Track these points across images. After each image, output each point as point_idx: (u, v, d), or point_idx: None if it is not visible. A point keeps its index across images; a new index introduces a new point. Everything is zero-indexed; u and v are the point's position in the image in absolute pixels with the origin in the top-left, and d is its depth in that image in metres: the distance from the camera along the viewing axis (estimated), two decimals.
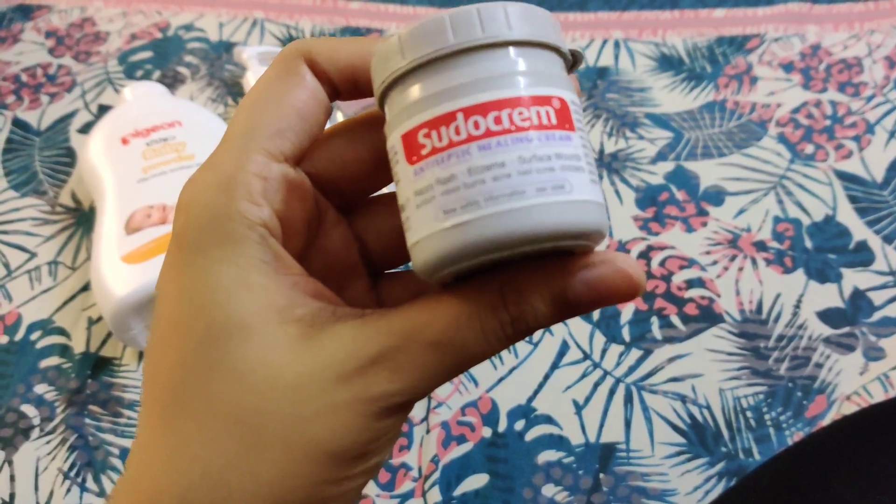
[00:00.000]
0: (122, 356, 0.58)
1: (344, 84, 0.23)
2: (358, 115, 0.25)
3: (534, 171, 0.19)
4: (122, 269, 0.54)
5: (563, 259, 0.21)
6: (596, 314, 0.59)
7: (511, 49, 0.20)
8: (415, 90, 0.20)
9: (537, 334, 0.58)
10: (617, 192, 0.66)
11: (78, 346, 0.59)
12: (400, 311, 0.21)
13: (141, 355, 0.58)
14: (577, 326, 0.58)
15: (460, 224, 0.19)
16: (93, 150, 0.63)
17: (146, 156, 0.62)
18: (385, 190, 0.26)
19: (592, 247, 0.21)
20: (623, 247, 0.62)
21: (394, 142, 0.21)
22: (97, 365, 0.57)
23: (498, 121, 0.19)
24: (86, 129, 0.74)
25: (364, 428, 0.20)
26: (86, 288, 0.61)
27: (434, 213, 0.19)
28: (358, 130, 0.24)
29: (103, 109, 0.76)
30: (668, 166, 0.68)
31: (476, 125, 0.19)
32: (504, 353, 0.57)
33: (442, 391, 0.55)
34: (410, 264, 0.21)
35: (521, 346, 0.57)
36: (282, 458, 0.19)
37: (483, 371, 0.56)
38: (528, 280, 0.20)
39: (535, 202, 0.19)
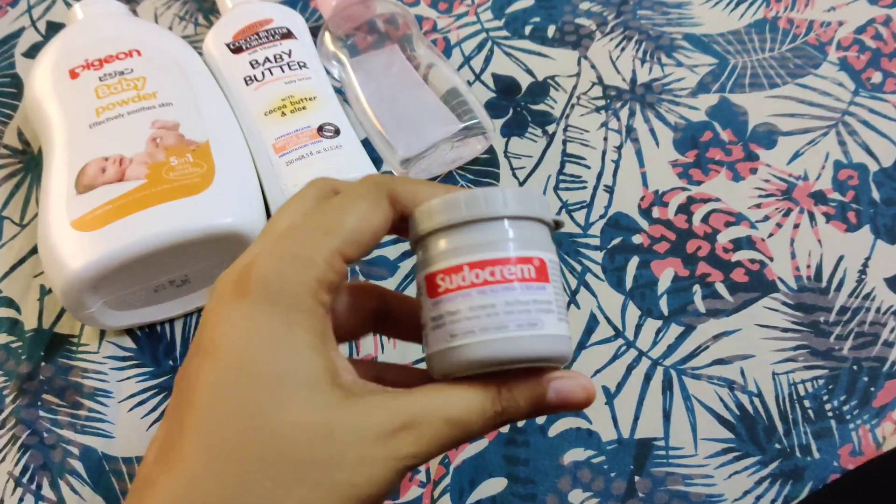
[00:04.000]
0: (81, 334, 0.50)
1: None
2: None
3: (516, 311, 0.25)
4: (73, 238, 0.46)
5: (540, 371, 0.27)
6: (629, 282, 0.50)
7: (505, 221, 0.26)
8: (438, 244, 0.26)
9: None
10: (652, 132, 0.57)
11: (29, 322, 0.51)
12: (423, 390, 0.26)
13: (102, 334, 0.50)
14: (607, 297, 0.50)
15: (461, 346, 0.25)
16: (37, 84, 0.53)
17: (100, 93, 0.52)
18: None
19: (558, 366, 0.27)
20: (660, 198, 0.53)
21: (421, 279, 0.27)
22: (52, 344, 0.50)
23: (493, 273, 0.25)
24: (33, 51, 0.64)
25: (388, 480, 0.24)
26: (37, 250, 0.53)
27: (444, 336, 0.26)
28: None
29: (54, 28, 0.65)
30: (711, 99, 0.58)
31: (477, 276, 0.25)
32: None
33: None
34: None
35: None
36: (328, 497, 0.23)
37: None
38: (516, 385, 0.27)
39: (515, 335, 0.25)
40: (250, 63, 0.56)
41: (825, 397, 0.46)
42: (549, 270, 0.26)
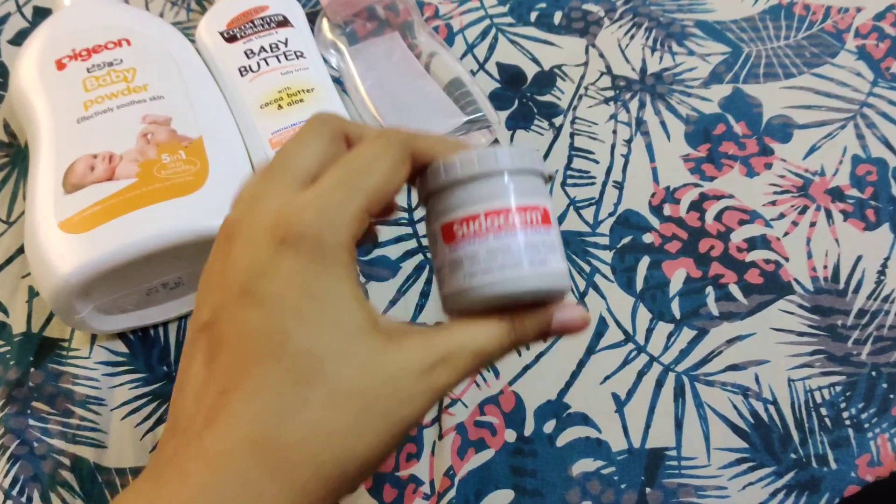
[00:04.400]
0: (72, 339, 0.48)
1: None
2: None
3: (528, 252, 0.28)
4: (61, 240, 0.44)
5: (543, 302, 0.30)
6: (639, 283, 0.49)
7: (514, 175, 0.29)
8: (454, 196, 0.29)
9: None
10: (663, 124, 0.55)
11: (17, 325, 0.49)
12: (451, 328, 0.28)
13: (94, 338, 0.48)
14: (617, 299, 0.48)
15: (481, 285, 0.28)
16: (22, 75, 0.51)
17: (88, 86, 0.50)
18: None
19: (561, 299, 0.30)
20: (671, 195, 0.52)
21: (437, 228, 0.29)
22: (41, 349, 0.48)
23: (507, 219, 0.28)
24: (19, 38, 0.62)
25: (427, 409, 0.27)
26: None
27: (462, 276, 0.28)
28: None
29: (40, 14, 0.63)
30: (724, 90, 0.56)
31: (492, 222, 0.28)
32: None
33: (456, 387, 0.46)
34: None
35: None
36: (383, 429, 0.26)
37: (505, 359, 0.46)
38: (526, 316, 0.29)
39: (529, 273, 0.28)
40: (245, 53, 0.53)
41: (843, 405, 0.45)
42: (550, 216, 0.29)
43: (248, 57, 0.53)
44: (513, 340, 0.29)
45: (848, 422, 0.44)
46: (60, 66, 0.51)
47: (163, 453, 0.26)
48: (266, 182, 0.28)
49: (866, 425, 0.44)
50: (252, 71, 0.53)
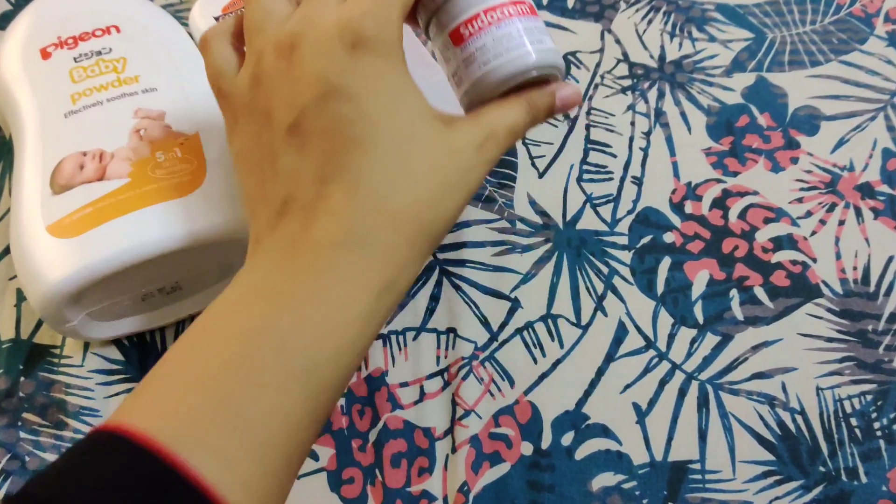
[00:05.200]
0: (64, 345, 0.46)
1: None
2: None
3: (527, 34, 0.33)
4: (49, 245, 0.41)
5: (546, 83, 0.34)
6: (660, 286, 0.46)
7: None
8: (452, 7, 0.33)
9: (587, 316, 0.46)
10: (683, 115, 0.52)
11: (5, 331, 0.46)
12: (488, 111, 0.32)
13: (87, 345, 0.46)
14: (637, 302, 0.46)
15: (495, 67, 0.32)
16: (5, 65, 0.48)
17: (75, 76, 0.47)
18: None
19: (559, 77, 0.34)
20: (693, 191, 0.49)
21: (445, 37, 0.33)
22: (31, 356, 0.45)
23: (503, 12, 0.33)
24: (3, 22, 0.58)
25: (483, 179, 0.32)
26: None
27: (477, 67, 0.33)
28: None
29: None
30: (747, 79, 0.53)
31: (492, 17, 0.32)
32: (546, 342, 0.45)
33: (469, 396, 0.43)
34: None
35: (568, 332, 0.45)
36: (458, 196, 0.31)
37: (520, 367, 0.44)
38: (536, 93, 0.33)
39: (533, 48, 0.32)
40: None
41: (873, 415, 0.43)
42: (535, 9, 0.34)
43: None
44: (531, 116, 0.33)
45: (879, 433, 0.42)
46: (45, 55, 0.48)
47: (275, 233, 0.30)
48: (313, 6, 0.31)
49: None
50: None
